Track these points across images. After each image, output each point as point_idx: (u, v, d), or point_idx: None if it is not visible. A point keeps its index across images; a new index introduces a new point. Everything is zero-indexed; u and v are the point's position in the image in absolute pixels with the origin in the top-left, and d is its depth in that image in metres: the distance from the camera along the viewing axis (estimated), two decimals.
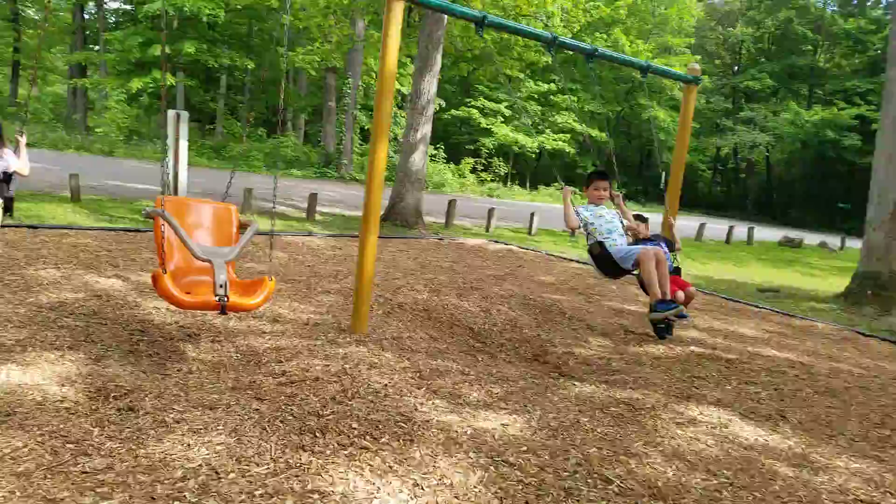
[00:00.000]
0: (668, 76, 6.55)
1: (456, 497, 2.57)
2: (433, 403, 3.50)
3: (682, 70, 6.54)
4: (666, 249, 5.95)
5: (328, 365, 3.83)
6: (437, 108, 28.87)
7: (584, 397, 3.95)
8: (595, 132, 37.68)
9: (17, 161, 4.60)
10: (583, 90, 38.66)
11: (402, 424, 3.15)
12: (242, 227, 4.12)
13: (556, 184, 34.58)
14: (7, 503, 2.22)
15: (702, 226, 19.61)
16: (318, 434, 2.94)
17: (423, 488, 2.60)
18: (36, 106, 25.60)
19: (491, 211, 14.57)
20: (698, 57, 42.15)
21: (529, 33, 5.74)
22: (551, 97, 34.95)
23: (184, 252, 3.83)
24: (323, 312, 5.13)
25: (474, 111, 32.71)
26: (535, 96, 34.96)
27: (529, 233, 14.67)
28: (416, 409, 3.37)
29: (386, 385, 3.66)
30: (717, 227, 22.42)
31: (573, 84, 38.03)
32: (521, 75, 34.61)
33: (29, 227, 7.07)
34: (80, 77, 24.66)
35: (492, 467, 2.84)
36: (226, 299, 3.42)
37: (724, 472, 3.09)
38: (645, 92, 41.75)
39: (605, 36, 37.24)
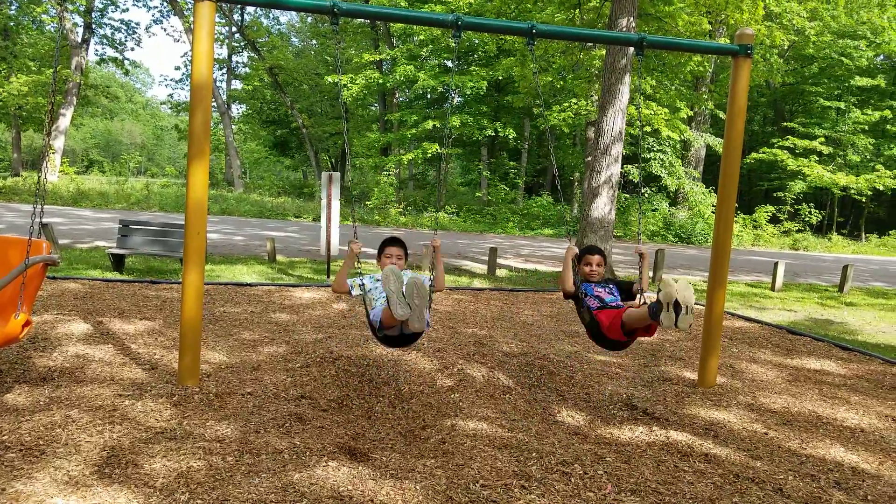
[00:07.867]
0: (698, 51, 4.71)
1: None
2: (65, 456, 2.88)
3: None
4: (616, 293, 4.21)
5: (71, 415, 3.46)
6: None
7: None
8: None
9: None
10: None
11: None
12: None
13: (892, 231, 27.56)
14: None
15: None
16: None
17: None
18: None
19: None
20: None
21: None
22: (888, 126, 28.45)
23: None
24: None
25: (781, 152, 28.22)
26: (865, 127, 28.84)
27: (772, 287, 11.85)
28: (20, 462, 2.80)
29: (57, 434, 3.15)
30: None
31: None
32: (843, 105, 29.07)
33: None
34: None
35: None
36: None
37: None
38: None
39: None
